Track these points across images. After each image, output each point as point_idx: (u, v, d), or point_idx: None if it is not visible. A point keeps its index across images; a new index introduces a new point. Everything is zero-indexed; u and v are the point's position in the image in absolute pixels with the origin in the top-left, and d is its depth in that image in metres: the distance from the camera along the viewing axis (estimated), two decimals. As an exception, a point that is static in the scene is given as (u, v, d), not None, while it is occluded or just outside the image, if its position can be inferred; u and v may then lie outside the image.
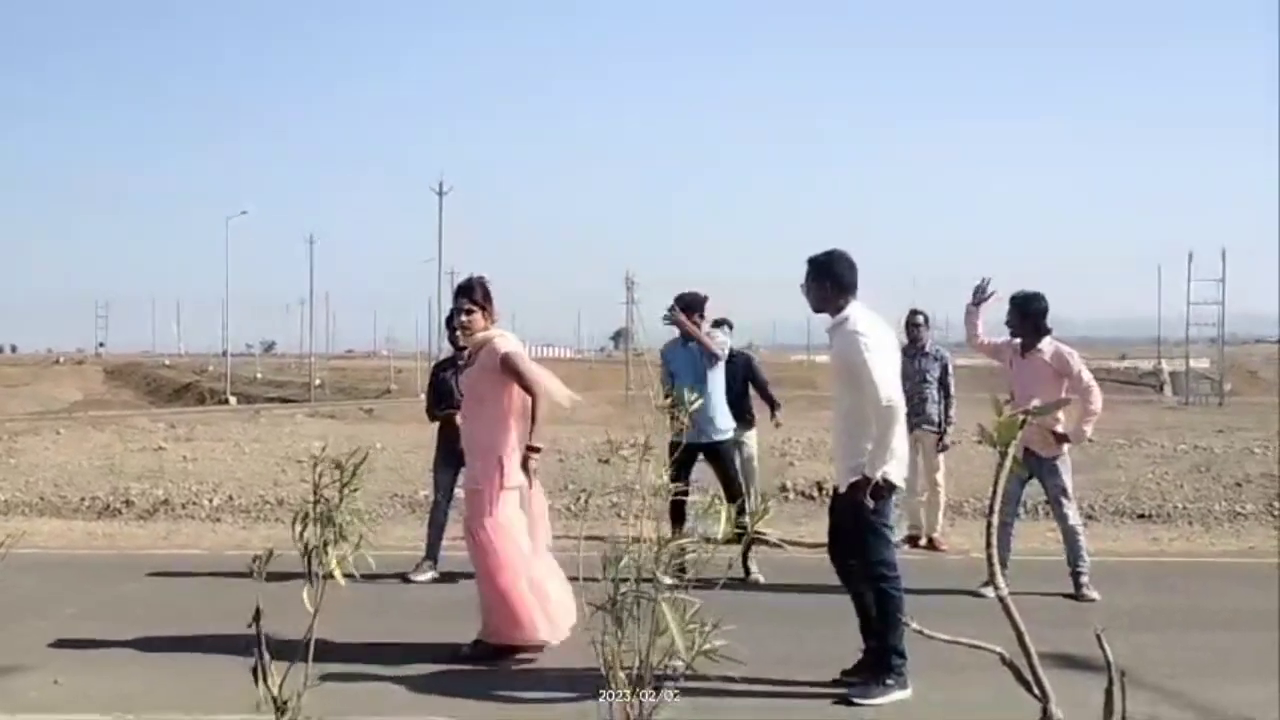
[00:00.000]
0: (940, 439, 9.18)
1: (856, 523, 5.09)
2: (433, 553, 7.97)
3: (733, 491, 7.44)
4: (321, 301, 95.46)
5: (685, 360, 7.75)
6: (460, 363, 7.68)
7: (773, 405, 8.99)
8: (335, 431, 21.73)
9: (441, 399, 7.86)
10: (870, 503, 4.99)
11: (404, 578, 7.76)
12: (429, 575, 7.88)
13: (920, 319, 9.38)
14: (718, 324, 9.19)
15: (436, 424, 7.90)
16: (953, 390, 9.28)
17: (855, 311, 5.21)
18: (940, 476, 9.21)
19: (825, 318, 5.35)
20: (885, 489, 5.06)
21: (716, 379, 7.75)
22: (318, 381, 67.06)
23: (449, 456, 7.73)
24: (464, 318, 5.99)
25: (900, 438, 5.14)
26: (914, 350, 9.32)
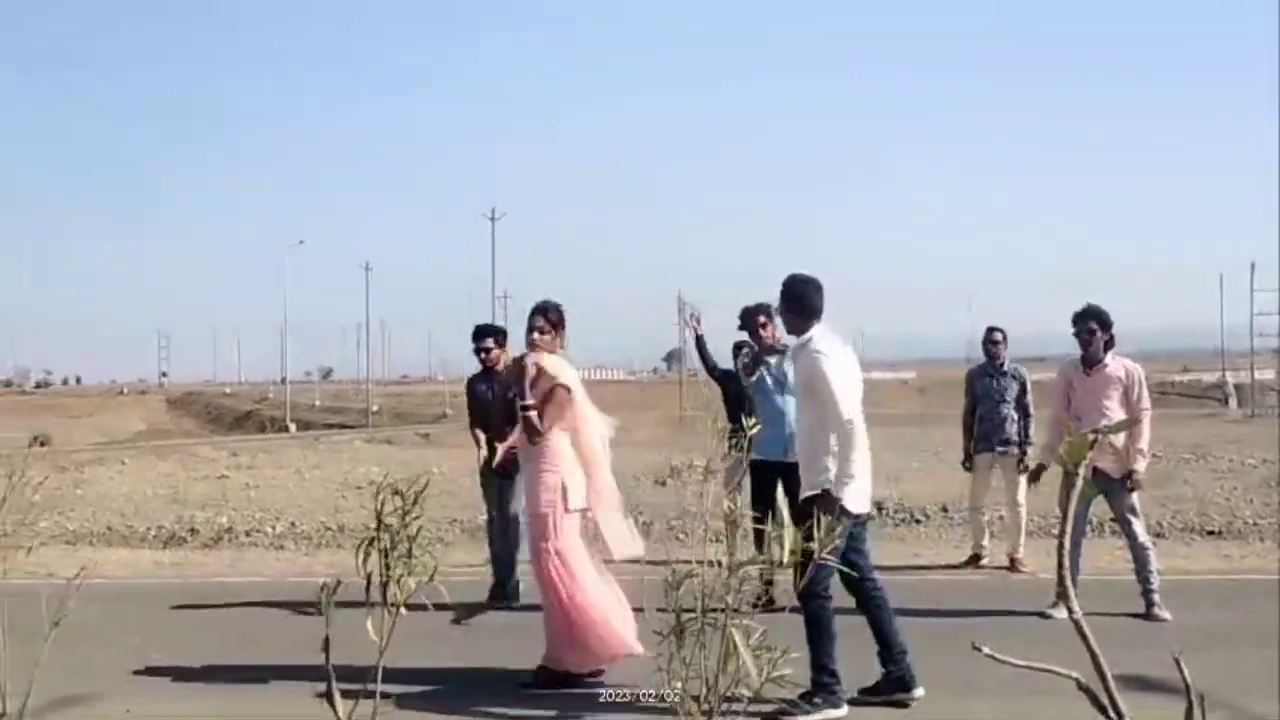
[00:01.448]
0: (1021, 459, 9.06)
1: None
2: (497, 577, 7.94)
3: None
4: (377, 328, 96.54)
5: (765, 373, 7.63)
6: (493, 376, 7.87)
7: None
8: (392, 457, 21.93)
9: (482, 412, 7.97)
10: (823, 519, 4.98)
11: (492, 606, 7.74)
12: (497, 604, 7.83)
13: (999, 336, 9.28)
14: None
15: (480, 445, 7.93)
16: (1032, 409, 9.15)
17: (818, 333, 5.36)
18: (1021, 496, 9.08)
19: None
20: (840, 513, 5.02)
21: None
22: (375, 407, 67.73)
23: (487, 471, 7.84)
24: (534, 335, 6.04)
25: (861, 464, 5.19)
26: (992, 369, 9.23)
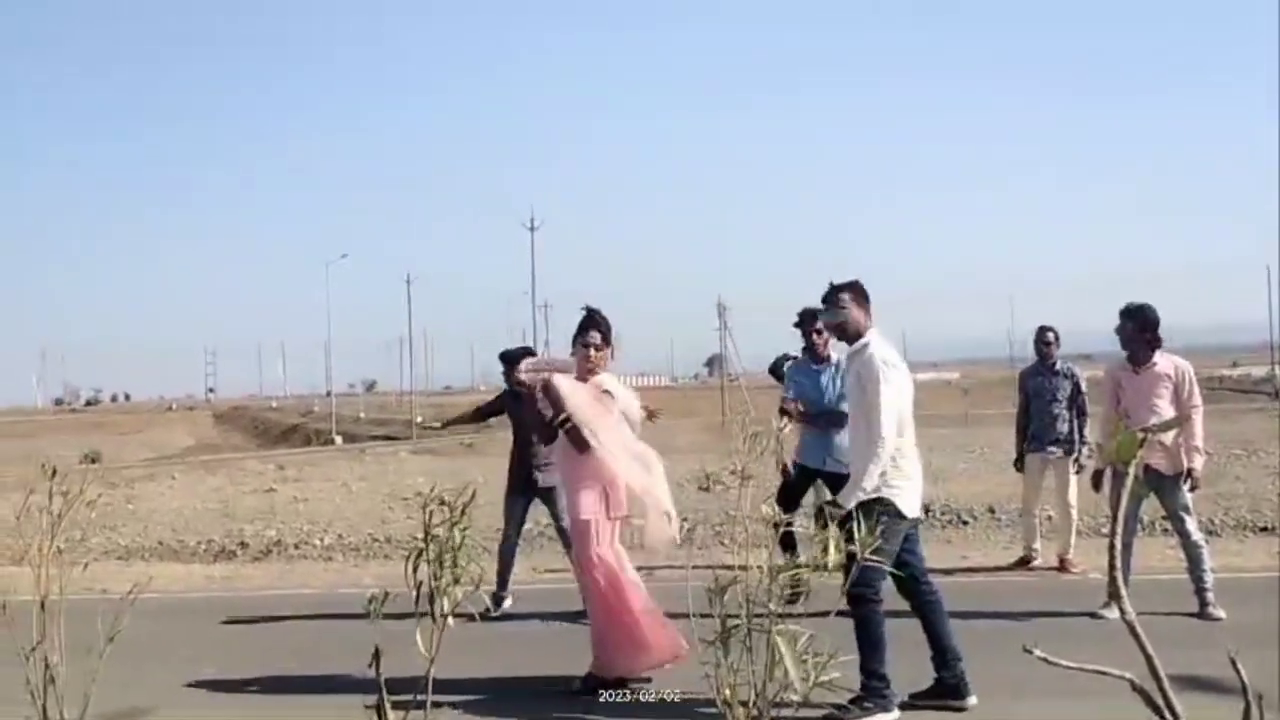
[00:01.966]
0: (1076, 459, 8.98)
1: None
2: (504, 582, 7.97)
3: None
4: (420, 339, 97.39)
5: (811, 382, 7.64)
6: (524, 397, 7.82)
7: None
8: (437, 467, 22.04)
9: (520, 426, 7.94)
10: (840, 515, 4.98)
11: (482, 616, 7.74)
12: (508, 604, 7.89)
13: (1050, 335, 9.19)
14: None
15: (510, 454, 7.94)
16: (1087, 408, 9.07)
17: (875, 339, 5.34)
18: (1073, 497, 8.99)
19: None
20: (896, 517, 5.10)
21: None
22: (419, 419, 68.15)
23: (522, 486, 7.85)
24: (593, 352, 6.00)
25: (912, 466, 5.21)
26: (1044, 368, 9.16)
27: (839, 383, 7.55)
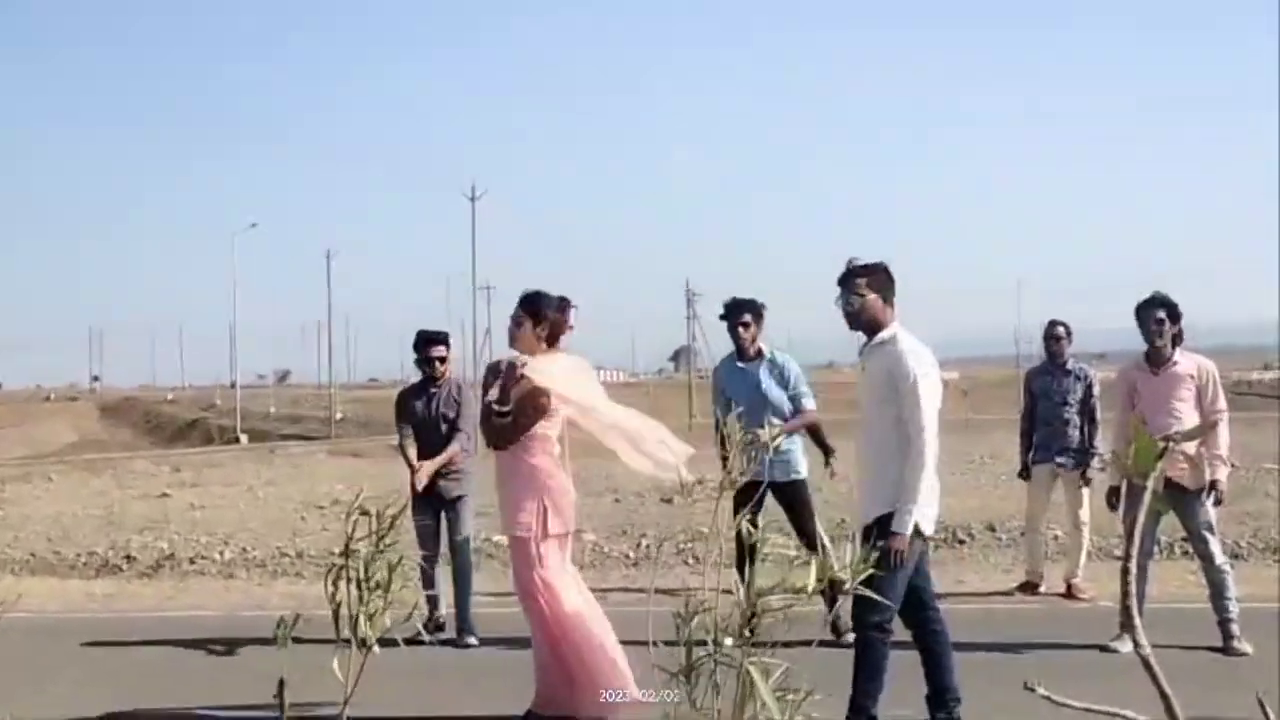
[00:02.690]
0: (1084, 471, 9.06)
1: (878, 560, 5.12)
2: (434, 611, 7.96)
3: (807, 533, 7.41)
4: (341, 324, 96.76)
5: (743, 382, 7.68)
6: (433, 390, 7.91)
7: (826, 452, 8.28)
8: (360, 471, 21.93)
9: (415, 430, 8.02)
10: (899, 546, 5.04)
11: (410, 641, 7.73)
12: (442, 636, 7.87)
13: (1061, 331, 9.24)
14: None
15: (411, 466, 7.94)
16: (1098, 414, 9.13)
17: (903, 333, 5.34)
18: (1085, 514, 9.07)
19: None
20: (915, 536, 5.14)
21: (786, 404, 7.67)
22: (339, 415, 67.72)
23: (427, 499, 7.86)
24: (513, 326, 6.03)
25: (929, 482, 5.22)
26: (1053, 368, 9.22)
27: (775, 379, 7.63)
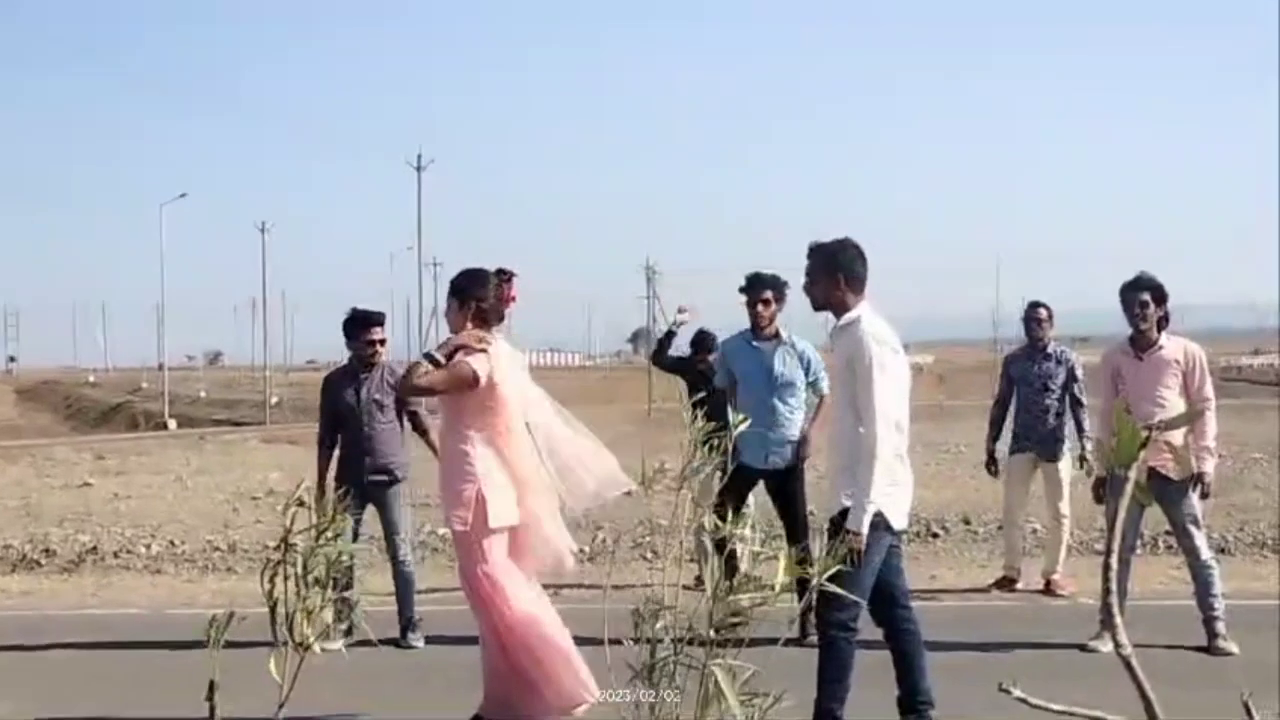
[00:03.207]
0: (1083, 458, 9.13)
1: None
2: (343, 613, 7.68)
3: (798, 532, 7.45)
4: (277, 302, 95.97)
5: (754, 362, 7.67)
6: (364, 376, 7.79)
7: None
8: (297, 460, 21.82)
9: (340, 421, 7.87)
10: (857, 545, 5.09)
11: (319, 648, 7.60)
12: (340, 644, 7.14)
13: (1043, 313, 9.29)
14: (702, 348, 9.46)
15: (328, 452, 7.87)
16: (1084, 399, 9.20)
17: (866, 314, 5.37)
18: (1064, 506, 9.15)
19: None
20: (883, 530, 5.20)
21: (798, 390, 7.72)
22: (274, 399, 67.24)
23: (347, 493, 7.64)
24: (445, 306, 6.07)
25: (903, 471, 5.31)
26: (1034, 351, 9.28)
27: (792, 364, 7.64)
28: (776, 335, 7.74)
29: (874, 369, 5.18)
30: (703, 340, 9.52)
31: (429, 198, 63.82)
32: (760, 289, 7.71)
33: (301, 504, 2.97)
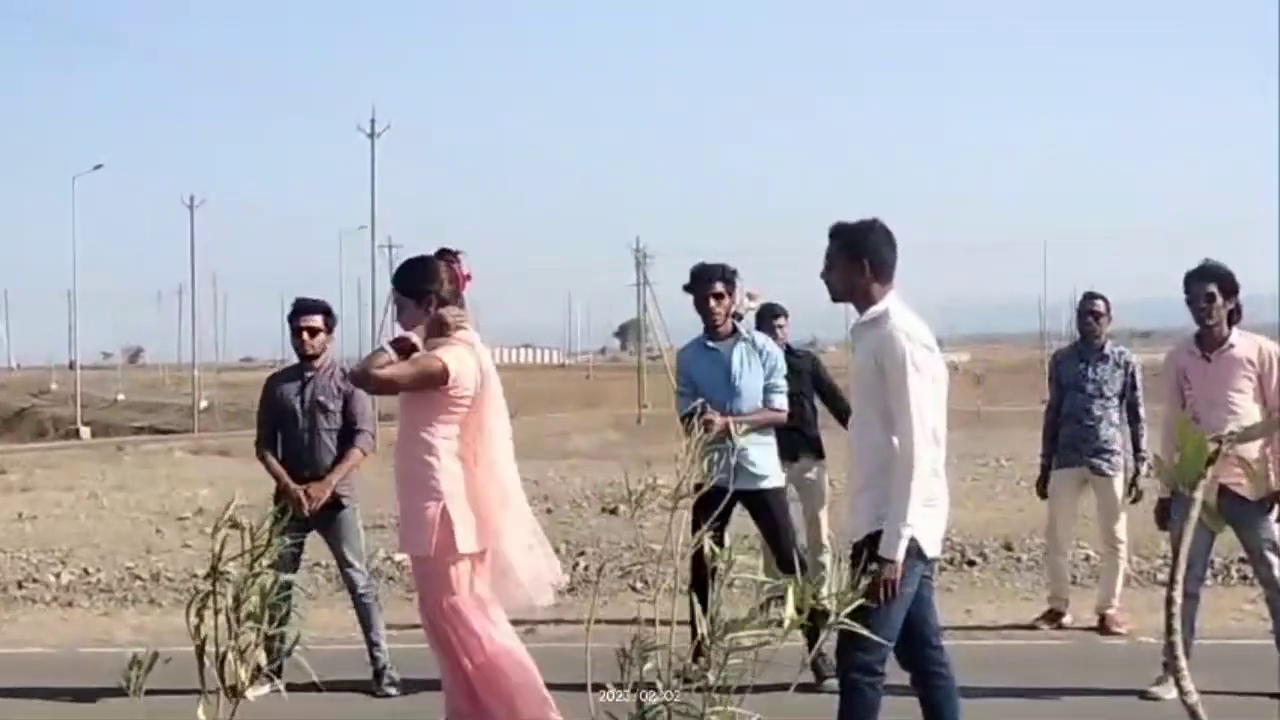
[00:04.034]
0: (1134, 482, 9.10)
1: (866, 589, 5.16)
2: (273, 654, 7.60)
3: (782, 552, 7.43)
4: (207, 289, 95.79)
5: (712, 366, 7.65)
6: (309, 375, 7.80)
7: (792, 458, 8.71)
8: (230, 473, 21.79)
9: (280, 425, 7.89)
10: (890, 575, 5.07)
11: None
12: (267, 688, 7.37)
13: (1100, 305, 9.19)
14: (770, 313, 9.22)
15: (279, 480, 7.80)
16: (1142, 408, 9.14)
17: (896, 307, 5.33)
18: (1120, 530, 9.13)
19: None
20: (914, 558, 5.15)
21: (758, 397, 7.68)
22: (204, 403, 67.23)
23: (294, 512, 7.56)
24: (392, 307, 6.08)
25: (939, 491, 5.27)
26: (1088, 351, 9.22)
27: (752, 365, 7.63)
28: (734, 332, 7.72)
29: (908, 369, 5.14)
30: (771, 314, 9.30)
31: (384, 169, 63.67)
32: (708, 282, 7.68)
33: (235, 525, 2.97)
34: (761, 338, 7.85)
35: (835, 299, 5.52)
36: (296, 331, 7.90)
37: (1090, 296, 9.34)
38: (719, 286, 7.68)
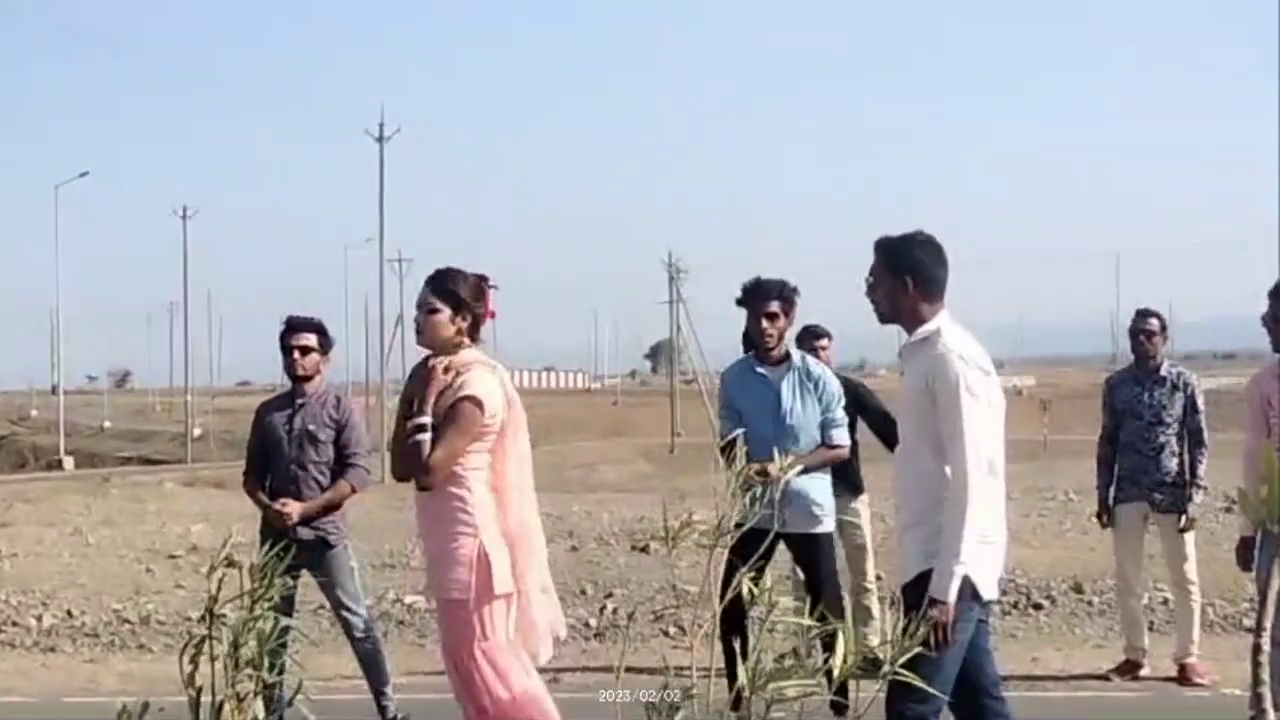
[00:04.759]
0: (1184, 513, 9.03)
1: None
2: (271, 708, 7.52)
3: (826, 599, 7.32)
4: (201, 309, 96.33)
5: (761, 394, 7.59)
6: (300, 401, 7.74)
7: (855, 491, 8.95)
8: (226, 508, 21.84)
9: (267, 456, 7.82)
10: (942, 618, 5.03)
11: None
12: None
13: (1154, 324, 9.14)
14: (811, 334, 9.16)
15: (261, 503, 7.78)
16: (1205, 436, 9.09)
17: (948, 327, 5.31)
18: (1190, 570, 9.07)
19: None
20: (970, 600, 5.11)
21: (815, 428, 7.63)
22: (197, 431, 67.55)
23: (282, 551, 7.46)
24: (423, 316, 6.02)
25: (995, 527, 5.23)
26: (1142, 374, 9.17)
27: (805, 397, 7.57)
28: (787, 358, 7.64)
29: (962, 394, 5.12)
30: (814, 336, 9.18)
31: (393, 177, 63.98)
32: (763, 299, 7.55)
33: (231, 564, 2.98)
34: (817, 365, 7.77)
35: (882, 320, 5.47)
36: (287, 351, 7.83)
37: (1143, 314, 9.23)
38: (774, 305, 7.54)
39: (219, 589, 2.79)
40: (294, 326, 7.91)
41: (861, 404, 8.85)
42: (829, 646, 3.31)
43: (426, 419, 5.85)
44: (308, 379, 7.82)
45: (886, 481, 8.08)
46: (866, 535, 9.11)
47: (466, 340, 6.02)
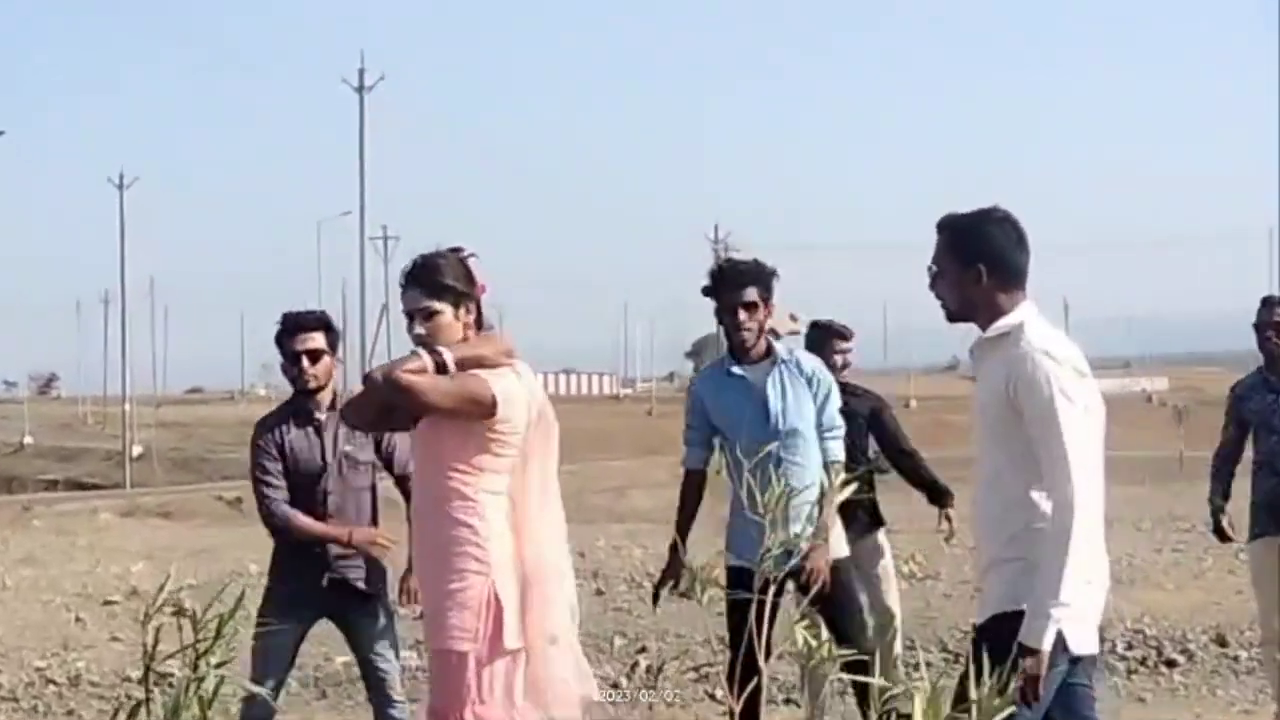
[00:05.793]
0: None
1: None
2: None
3: (850, 640, 7.24)
4: (142, 296, 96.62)
5: (740, 400, 7.52)
6: (319, 417, 7.55)
7: (936, 493, 9.00)
8: (172, 542, 21.98)
9: (299, 493, 7.56)
10: (1034, 670, 5.01)
11: None
12: None
13: None
14: (833, 334, 9.10)
15: (319, 534, 7.62)
16: None
17: (1031, 320, 5.26)
18: None
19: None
20: (1064, 655, 5.09)
21: (810, 435, 7.57)
22: (138, 449, 67.80)
23: (305, 591, 7.53)
24: (424, 324, 5.97)
25: (1096, 567, 5.17)
26: (1277, 378, 9.19)
27: (797, 392, 7.54)
28: (769, 354, 7.59)
29: (1057, 401, 5.05)
30: (839, 336, 9.20)
31: (375, 134, 63.91)
32: (737, 287, 7.49)
33: (178, 612, 2.99)
34: (809, 360, 7.77)
35: (950, 318, 5.42)
36: (293, 357, 7.54)
37: (1270, 304, 9.17)
38: (751, 293, 7.48)
39: (156, 640, 2.80)
40: (296, 326, 7.61)
41: (879, 424, 8.84)
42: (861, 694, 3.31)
43: (446, 352, 5.81)
44: (321, 389, 7.62)
45: (909, 509, 8.10)
46: (892, 572, 9.15)
47: (474, 332, 6.03)
